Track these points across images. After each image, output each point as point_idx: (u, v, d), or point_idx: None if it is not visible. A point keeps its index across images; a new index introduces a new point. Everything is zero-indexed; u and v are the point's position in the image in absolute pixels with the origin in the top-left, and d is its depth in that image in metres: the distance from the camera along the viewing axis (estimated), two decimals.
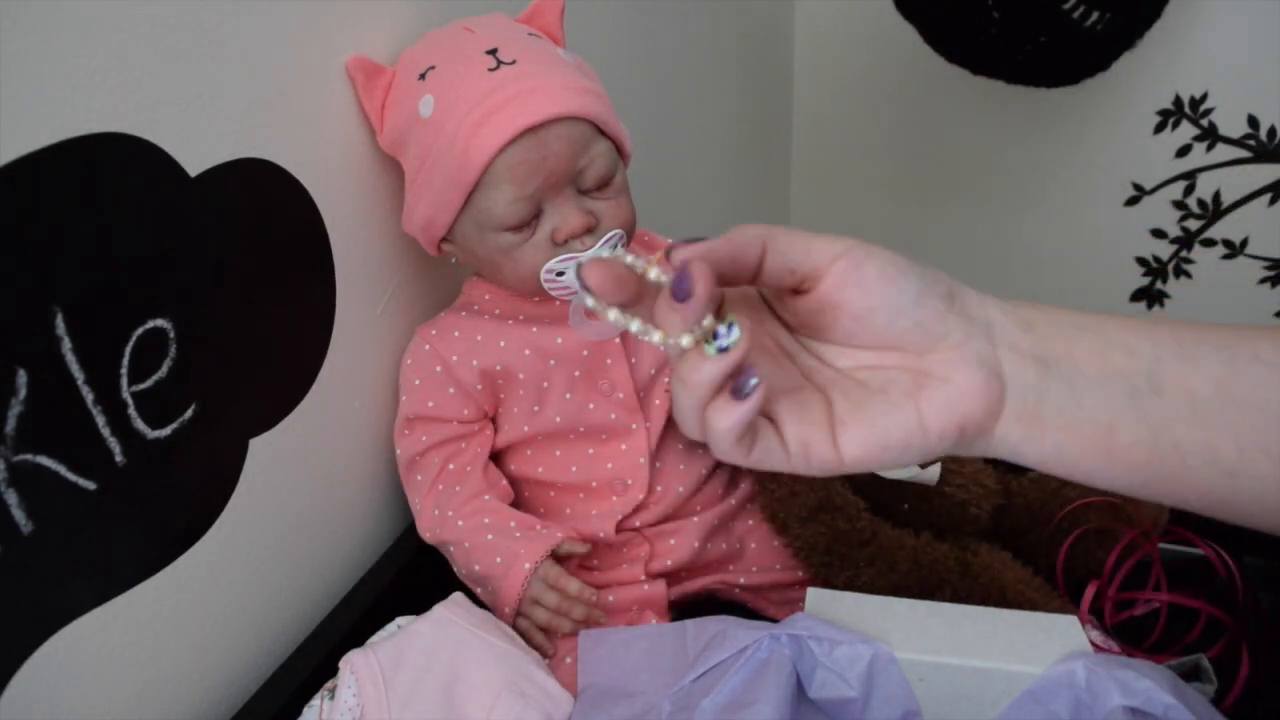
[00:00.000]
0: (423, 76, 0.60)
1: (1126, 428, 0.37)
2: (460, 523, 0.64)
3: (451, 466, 0.66)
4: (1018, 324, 0.38)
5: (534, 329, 0.65)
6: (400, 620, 0.58)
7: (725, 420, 0.34)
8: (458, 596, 0.59)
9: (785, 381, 0.38)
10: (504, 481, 0.68)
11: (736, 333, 0.33)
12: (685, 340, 0.33)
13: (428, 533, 0.66)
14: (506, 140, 0.57)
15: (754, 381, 0.34)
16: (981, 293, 0.39)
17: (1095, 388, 0.37)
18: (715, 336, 0.33)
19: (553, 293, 0.63)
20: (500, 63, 0.59)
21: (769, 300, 0.40)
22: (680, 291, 0.33)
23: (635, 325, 0.34)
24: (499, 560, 0.62)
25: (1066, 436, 0.37)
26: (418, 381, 0.66)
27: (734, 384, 0.34)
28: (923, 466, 0.65)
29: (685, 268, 0.33)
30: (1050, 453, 0.37)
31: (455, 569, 0.65)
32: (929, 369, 0.37)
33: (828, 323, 0.38)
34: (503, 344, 0.65)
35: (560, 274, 0.62)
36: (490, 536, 0.63)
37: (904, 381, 0.37)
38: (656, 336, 0.34)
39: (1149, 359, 0.37)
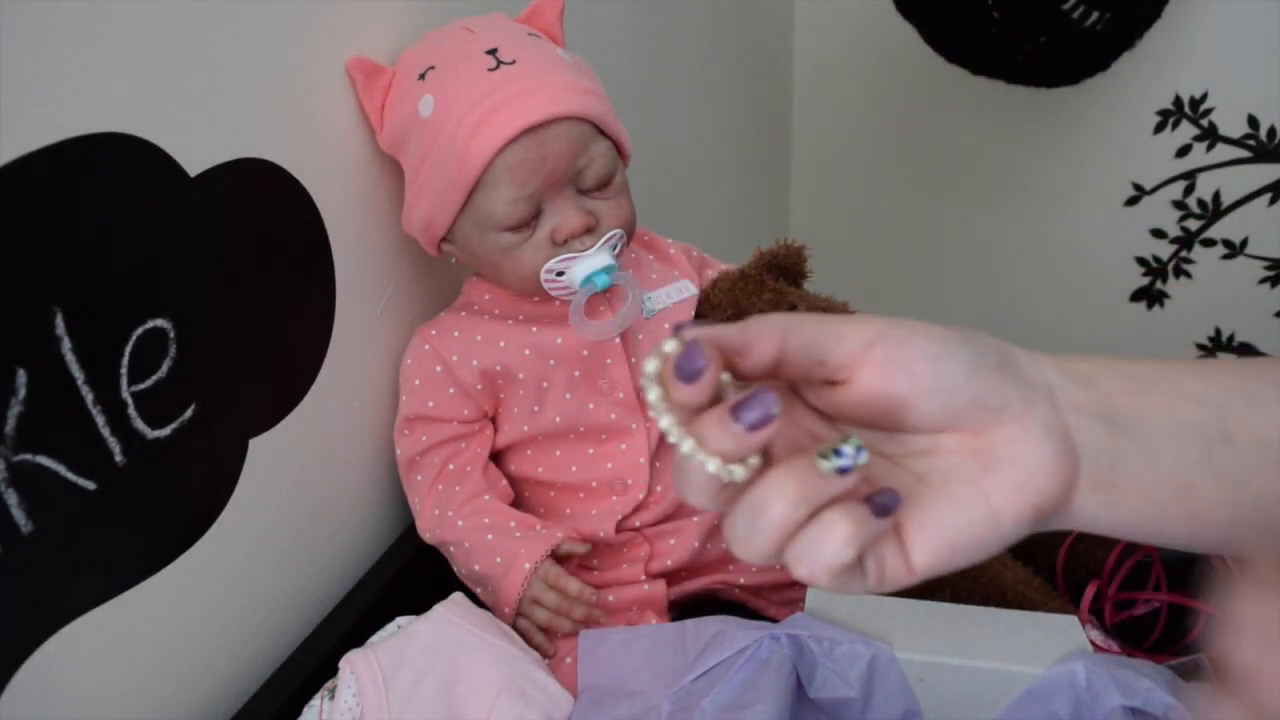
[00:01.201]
0: (422, 76, 0.60)
1: (1205, 484, 0.33)
2: (460, 523, 0.64)
3: (451, 466, 0.66)
4: (1076, 381, 0.34)
5: (534, 329, 0.65)
6: (400, 620, 0.58)
7: (863, 531, 0.30)
8: (458, 596, 0.59)
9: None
10: (504, 481, 0.68)
11: (865, 455, 0.29)
12: (739, 472, 0.29)
13: (428, 533, 0.66)
14: (506, 140, 0.57)
15: (897, 499, 0.30)
16: (1029, 351, 0.35)
17: (1168, 443, 0.33)
18: (837, 454, 0.29)
19: (552, 293, 0.63)
20: (500, 63, 0.59)
21: (795, 385, 0.35)
22: (687, 368, 0.29)
23: (687, 445, 0.30)
24: (499, 560, 0.62)
25: (1145, 500, 0.33)
26: (418, 381, 0.66)
27: (873, 502, 0.30)
28: None
29: (694, 346, 0.29)
30: (1130, 519, 0.34)
31: (455, 569, 0.65)
32: (993, 449, 0.33)
33: (871, 414, 0.33)
34: (502, 344, 0.65)
35: (560, 274, 0.62)
36: (490, 536, 0.63)
37: (967, 468, 0.33)
38: (713, 465, 0.29)
39: (1217, 408, 0.34)
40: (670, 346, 0.30)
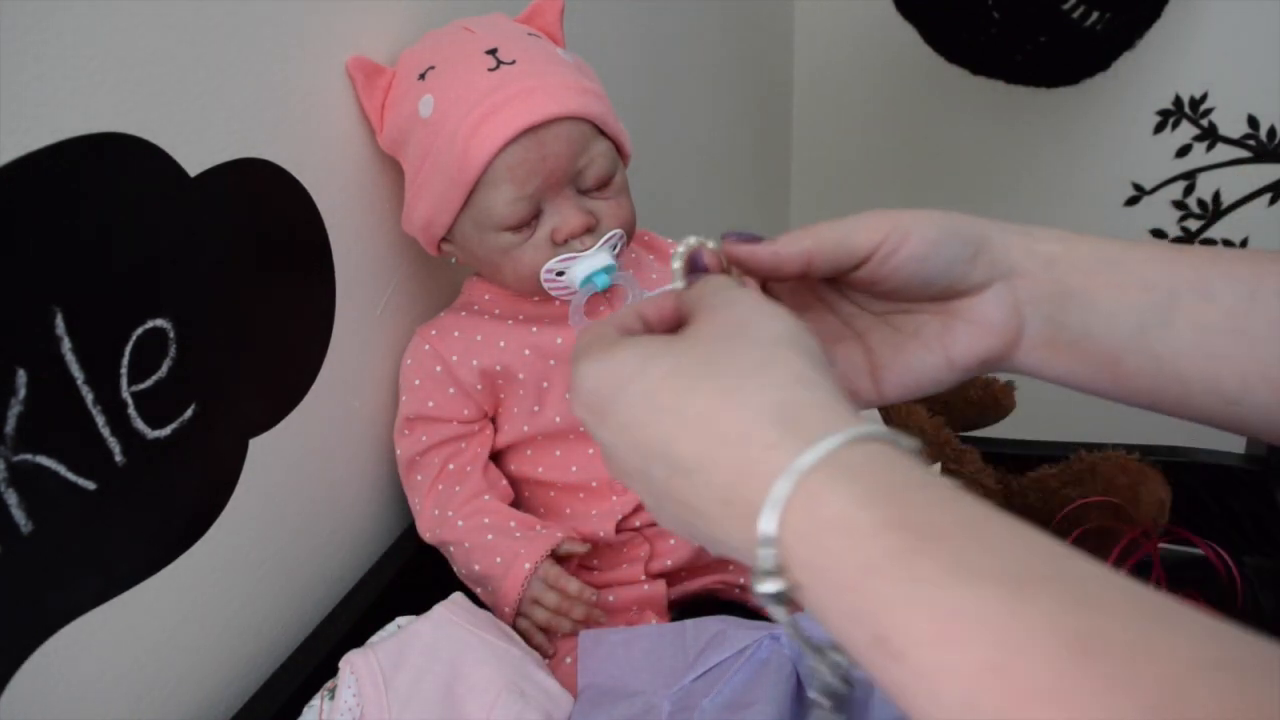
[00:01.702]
0: (422, 76, 0.60)
1: (1131, 358, 0.40)
2: (460, 523, 0.64)
3: (451, 466, 0.66)
4: (1040, 263, 0.41)
5: (534, 329, 0.65)
6: (400, 620, 0.58)
7: None
8: (457, 596, 0.59)
9: (829, 333, 0.43)
10: (504, 481, 0.68)
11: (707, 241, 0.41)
12: None
13: (428, 533, 0.65)
14: (506, 140, 0.57)
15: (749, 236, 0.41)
16: (1007, 231, 0.42)
17: (1105, 320, 0.40)
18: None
19: (553, 292, 0.63)
20: (500, 63, 0.59)
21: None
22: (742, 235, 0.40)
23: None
24: (499, 560, 0.62)
25: (1077, 363, 0.41)
26: (417, 381, 0.66)
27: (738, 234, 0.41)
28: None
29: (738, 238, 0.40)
30: (1063, 374, 0.42)
31: (455, 569, 0.65)
32: (955, 312, 0.42)
33: (868, 287, 0.42)
34: (502, 344, 0.65)
35: (560, 274, 0.62)
36: (490, 536, 0.63)
37: (934, 325, 0.42)
38: None
39: (1164, 293, 0.39)
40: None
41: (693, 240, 0.40)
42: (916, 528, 0.26)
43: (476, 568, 0.63)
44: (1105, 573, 0.25)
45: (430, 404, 0.65)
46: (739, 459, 0.30)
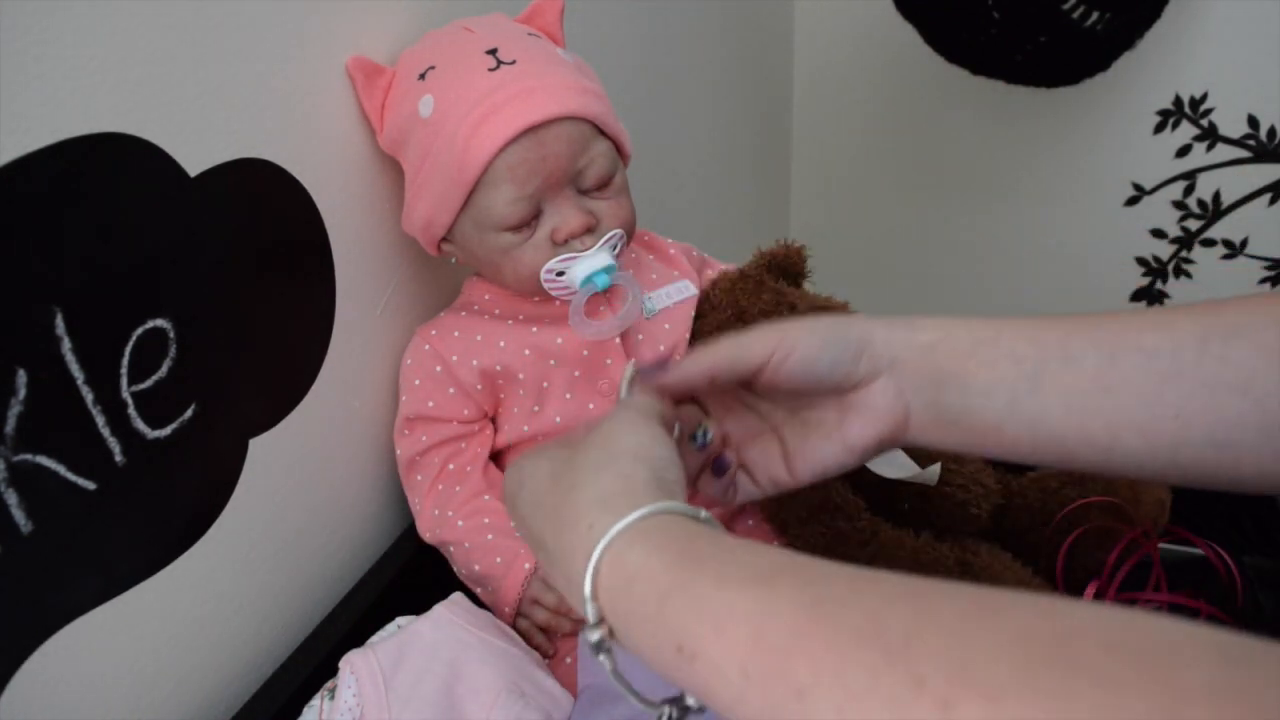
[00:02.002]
0: (422, 76, 0.60)
1: (1010, 426, 0.45)
2: (460, 523, 0.64)
3: (451, 466, 0.66)
4: (919, 352, 0.47)
5: (534, 329, 0.65)
6: (400, 620, 0.58)
7: (711, 489, 0.51)
8: (457, 596, 0.59)
9: (750, 429, 0.52)
10: None
11: (711, 434, 0.50)
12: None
13: (428, 533, 0.66)
14: (506, 140, 0.57)
15: (729, 462, 0.51)
16: (891, 326, 0.48)
17: (980, 397, 0.46)
18: (694, 438, 0.49)
19: (552, 292, 0.63)
20: (500, 63, 0.59)
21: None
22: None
23: None
24: (499, 560, 0.62)
25: (963, 436, 0.47)
26: (417, 381, 0.66)
27: (714, 464, 0.51)
28: (923, 466, 0.65)
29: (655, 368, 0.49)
30: (954, 446, 0.48)
31: (455, 569, 0.65)
32: (849, 404, 0.48)
33: (771, 390, 0.50)
34: (502, 344, 0.65)
35: (560, 274, 0.62)
36: (490, 537, 0.63)
37: (832, 417, 0.49)
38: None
39: (1032, 364, 0.45)
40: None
41: (630, 370, 0.49)
42: (693, 561, 0.34)
43: (477, 568, 0.63)
44: (831, 564, 0.33)
45: (430, 404, 0.65)
46: (573, 540, 0.38)
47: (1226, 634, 0.26)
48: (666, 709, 0.38)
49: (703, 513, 0.38)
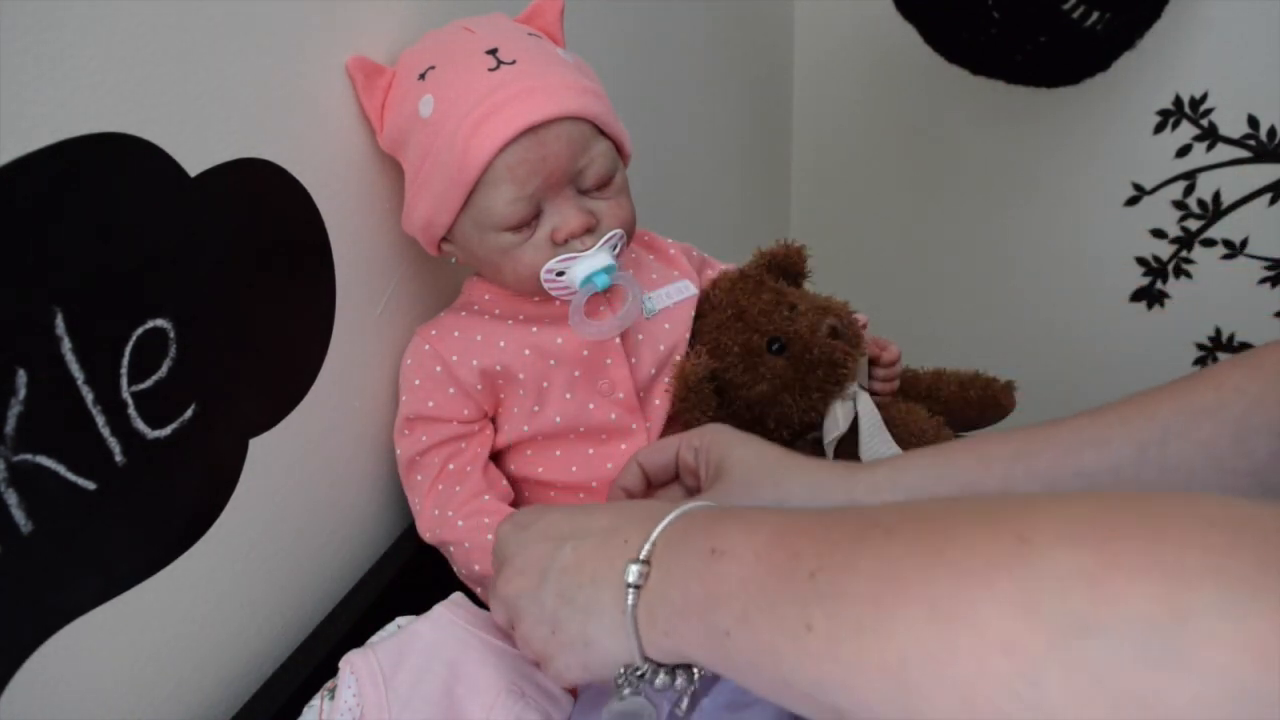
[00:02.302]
0: (423, 76, 0.60)
1: None
2: (460, 523, 0.64)
3: (451, 466, 0.66)
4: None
5: (534, 329, 0.65)
6: (400, 620, 0.58)
7: None
8: (457, 597, 0.59)
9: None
10: (504, 481, 0.68)
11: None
12: None
13: (428, 533, 0.65)
14: (506, 140, 0.57)
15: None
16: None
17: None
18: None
19: (552, 292, 0.63)
20: (500, 62, 0.59)
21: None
22: None
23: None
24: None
25: None
26: (417, 381, 0.66)
27: None
28: None
29: None
30: None
31: (455, 569, 0.65)
32: None
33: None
34: (502, 344, 0.65)
35: (560, 274, 0.62)
36: (490, 536, 0.63)
37: None
38: None
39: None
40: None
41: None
42: (738, 507, 0.43)
43: (476, 568, 0.63)
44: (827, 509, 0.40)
45: (430, 404, 0.65)
46: (634, 525, 0.44)
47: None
48: (623, 671, 0.43)
49: (707, 503, 0.45)
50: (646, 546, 0.42)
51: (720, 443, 0.57)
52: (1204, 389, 0.47)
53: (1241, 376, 0.46)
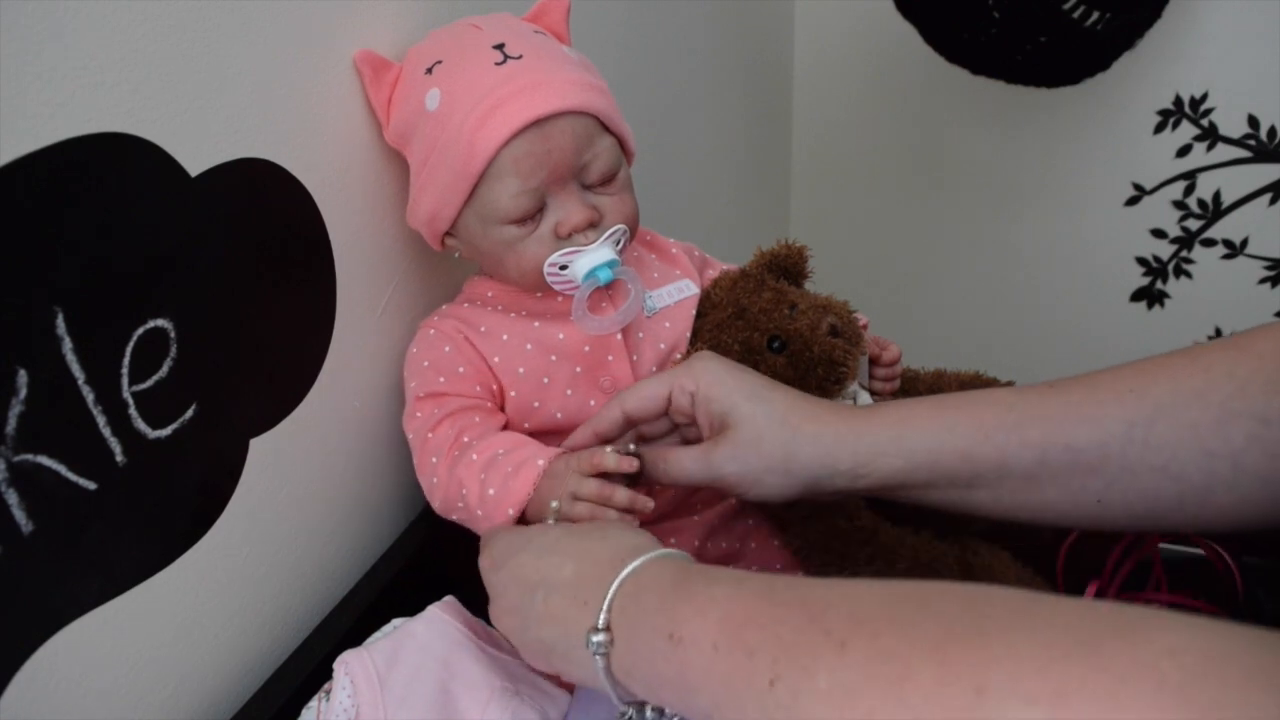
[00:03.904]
0: (429, 71, 0.60)
1: (949, 510, 0.55)
2: (474, 456, 0.60)
3: (466, 438, 0.62)
4: (853, 480, 0.55)
5: (536, 324, 0.65)
6: (396, 621, 0.58)
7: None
8: (451, 599, 0.59)
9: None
10: None
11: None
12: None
13: (444, 506, 0.62)
14: (512, 133, 0.57)
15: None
16: (832, 450, 0.55)
17: (926, 498, 0.55)
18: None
19: (555, 286, 0.63)
20: (507, 57, 0.59)
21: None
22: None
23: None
24: (509, 469, 0.59)
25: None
26: (426, 363, 0.65)
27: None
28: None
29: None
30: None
31: (474, 527, 0.61)
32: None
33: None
34: (505, 336, 0.65)
35: (563, 268, 0.62)
36: (501, 451, 0.60)
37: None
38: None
39: (968, 479, 0.52)
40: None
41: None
42: (690, 574, 0.44)
43: (491, 491, 0.59)
44: (776, 575, 0.43)
45: (441, 379, 0.64)
46: (600, 570, 0.46)
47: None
48: (629, 710, 0.46)
49: (680, 553, 0.48)
50: (603, 615, 0.44)
51: (722, 393, 0.56)
52: (1195, 370, 0.48)
53: (1231, 360, 0.47)
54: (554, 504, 0.57)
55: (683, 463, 0.57)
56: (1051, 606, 0.33)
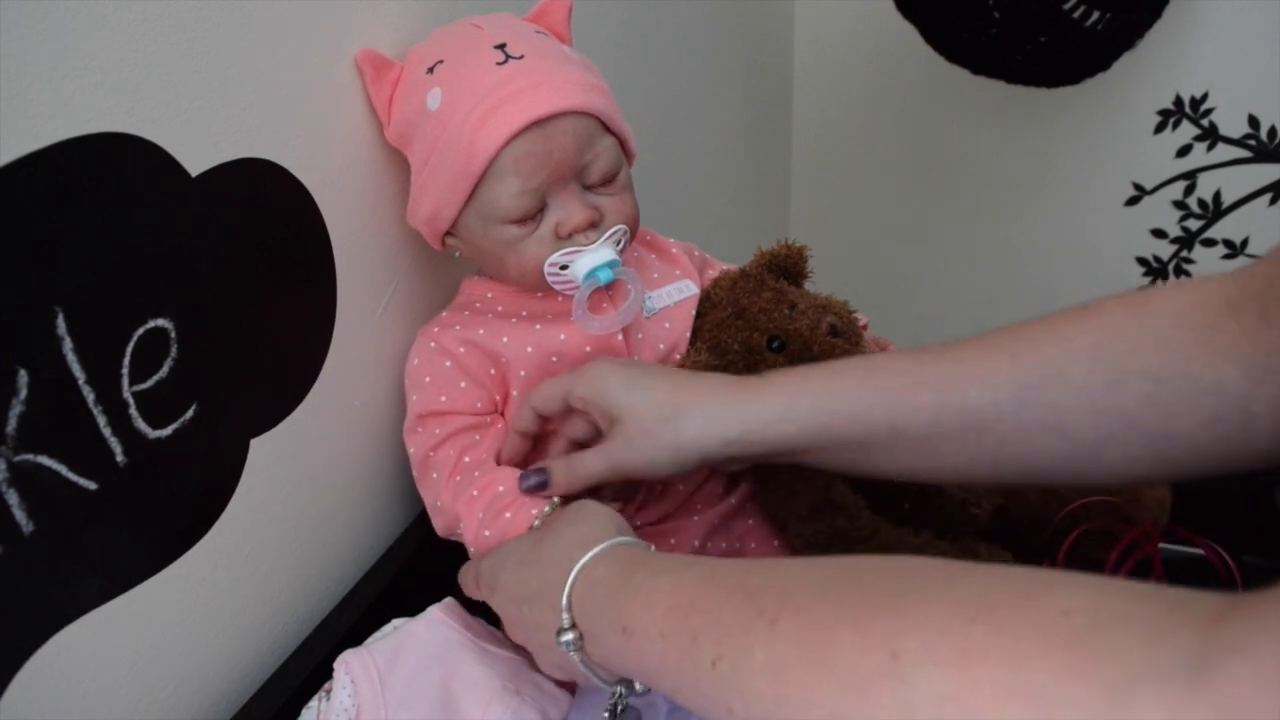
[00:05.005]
0: (431, 70, 0.60)
1: (847, 471, 0.57)
2: (475, 492, 0.62)
3: (467, 459, 0.64)
4: (746, 447, 0.56)
5: (536, 326, 0.65)
6: (396, 622, 0.58)
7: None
8: (451, 600, 0.59)
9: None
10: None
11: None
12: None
13: (445, 530, 0.64)
14: (513, 133, 0.57)
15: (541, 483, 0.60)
16: (718, 422, 0.56)
17: (824, 460, 0.56)
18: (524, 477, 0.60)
19: (555, 286, 0.63)
20: (508, 57, 0.59)
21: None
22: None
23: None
24: (508, 515, 0.60)
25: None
26: (428, 379, 0.65)
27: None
28: None
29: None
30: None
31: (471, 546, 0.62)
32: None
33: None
34: (505, 339, 0.65)
35: (564, 268, 0.62)
36: (501, 489, 0.61)
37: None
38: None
39: (860, 442, 0.53)
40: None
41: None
42: (637, 566, 0.46)
43: (487, 533, 0.60)
44: (720, 560, 0.45)
45: (443, 398, 0.64)
46: (555, 574, 0.48)
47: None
48: (618, 688, 0.48)
49: (651, 547, 0.50)
50: (565, 615, 0.47)
51: (606, 391, 0.57)
52: (1089, 329, 0.48)
53: (1126, 317, 0.48)
54: (535, 523, 0.59)
55: (586, 464, 0.58)
56: (968, 574, 0.35)
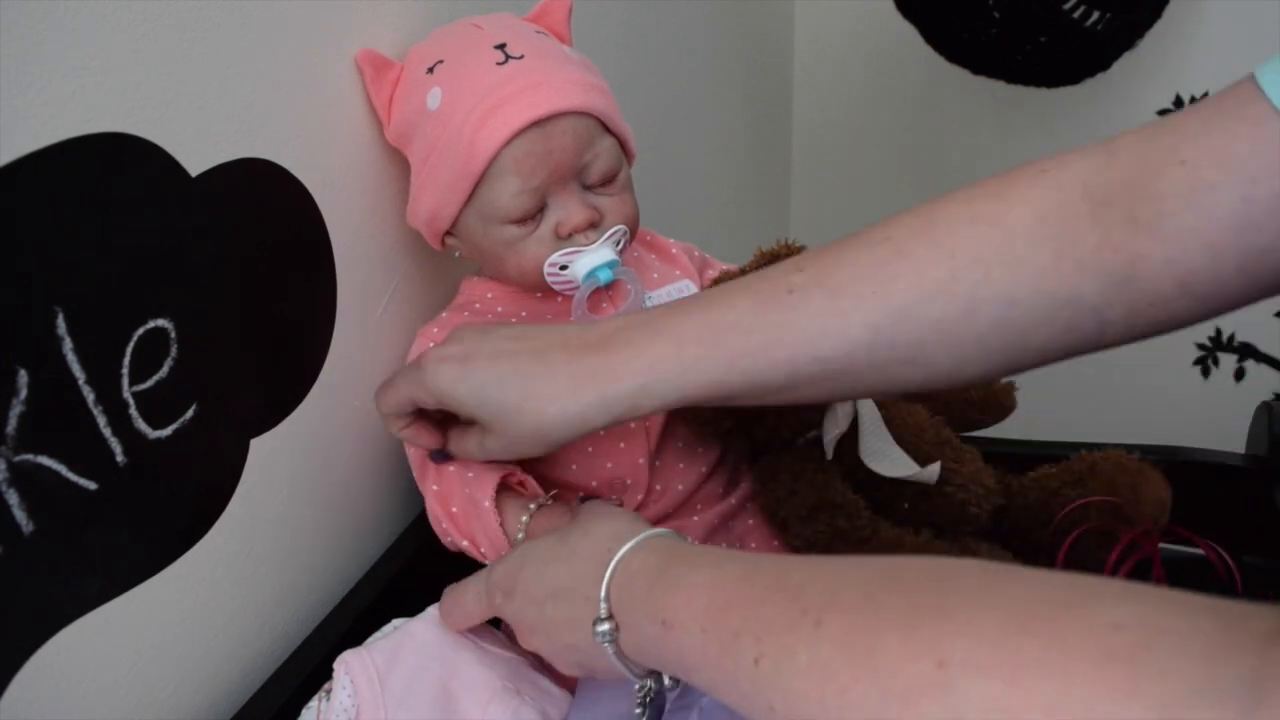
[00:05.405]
0: (431, 70, 0.60)
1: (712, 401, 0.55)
2: (486, 502, 0.62)
3: (471, 474, 0.64)
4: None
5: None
6: (396, 622, 0.58)
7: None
8: None
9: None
10: (517, 476, 0.67)
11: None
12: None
13: (447, 538, 0.64)
14: (513, 132, 0.57)
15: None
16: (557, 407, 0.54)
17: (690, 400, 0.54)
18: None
19: (555, 286, 0.63)
20: (509, 57, 0.59)
21: None
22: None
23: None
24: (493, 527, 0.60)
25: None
26: None
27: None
28: (923, 465, 0.65)
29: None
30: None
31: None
32: None
33: None
34: None
35: (564, 267, 0.62)
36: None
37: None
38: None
39: (720, 402, 0.54)
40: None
41: None
42: (676, 558, 0.45)
43: (483, 549, 0.61)
44: (757, 555, 0.48)
45: None
46: (589, 567, 0.48)
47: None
48: (648, 682, 0.48)
49: (687, 538, 0.49)
50: (603, 605, 0.46)
51: (448, 396, 0.55)
52: (941, 257, 0.48)
53: (980, 239, 0.48)
54: (523, 518, 0.59)
55: (466, 444, 0.58)
56: (1012, 580, 0.34)
